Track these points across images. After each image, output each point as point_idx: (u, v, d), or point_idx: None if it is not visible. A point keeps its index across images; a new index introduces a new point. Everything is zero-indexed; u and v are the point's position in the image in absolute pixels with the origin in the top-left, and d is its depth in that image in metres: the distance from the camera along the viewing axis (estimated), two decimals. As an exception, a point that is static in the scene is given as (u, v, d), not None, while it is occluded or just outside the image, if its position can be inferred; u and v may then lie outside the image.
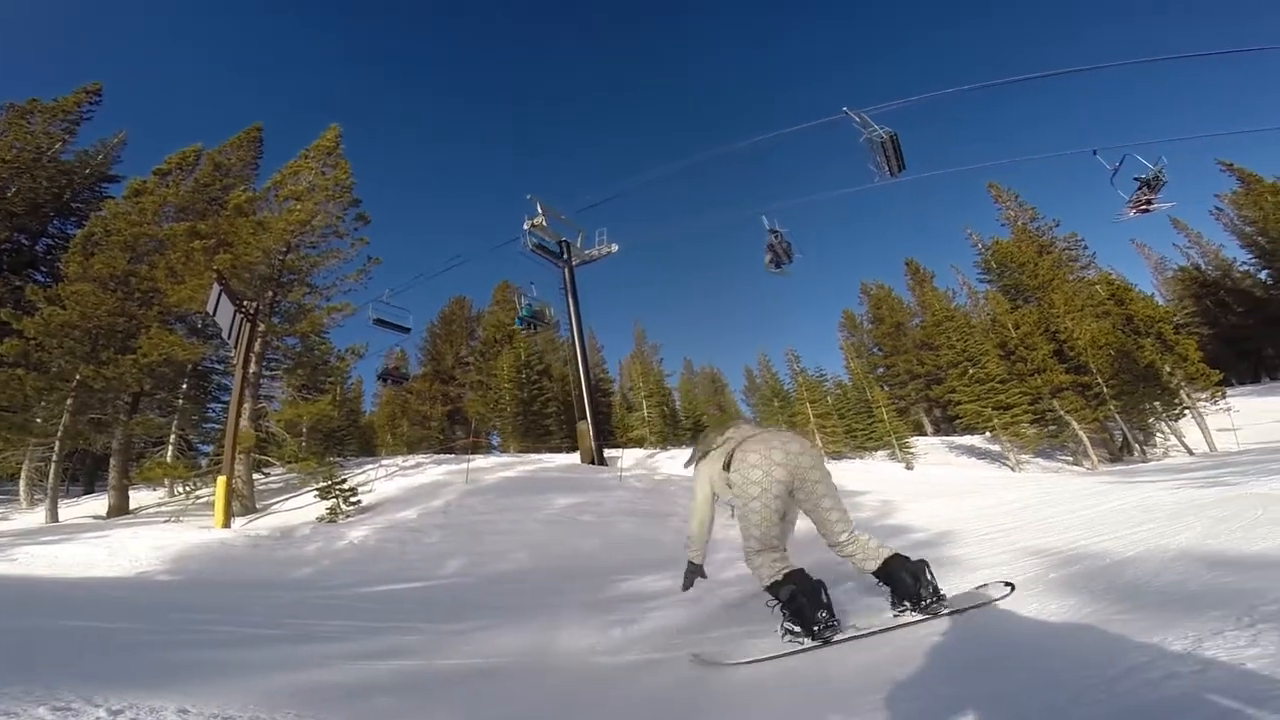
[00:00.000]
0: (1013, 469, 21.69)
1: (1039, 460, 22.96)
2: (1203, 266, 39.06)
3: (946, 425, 31.56)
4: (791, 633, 2.50)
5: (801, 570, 2.65)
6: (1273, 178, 32.77)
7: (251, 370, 13.89)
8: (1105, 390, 23.03)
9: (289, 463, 13.98)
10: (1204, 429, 21.68)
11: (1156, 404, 22.79)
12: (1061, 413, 22.82)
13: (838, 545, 2.77)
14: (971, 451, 24.83)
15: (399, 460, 19.14)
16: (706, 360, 48.93)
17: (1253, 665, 1.47)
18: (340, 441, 23.77)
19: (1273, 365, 34.11)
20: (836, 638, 2.46)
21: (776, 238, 13.43)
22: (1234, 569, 2.41)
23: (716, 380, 46.05)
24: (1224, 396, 22.22)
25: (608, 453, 19.18)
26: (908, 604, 2.56)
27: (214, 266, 13.13)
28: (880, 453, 24.06)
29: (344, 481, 11.41)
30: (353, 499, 11.03)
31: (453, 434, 33.31)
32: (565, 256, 18.47)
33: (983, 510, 8.37)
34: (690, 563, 3.39)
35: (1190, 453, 21.57)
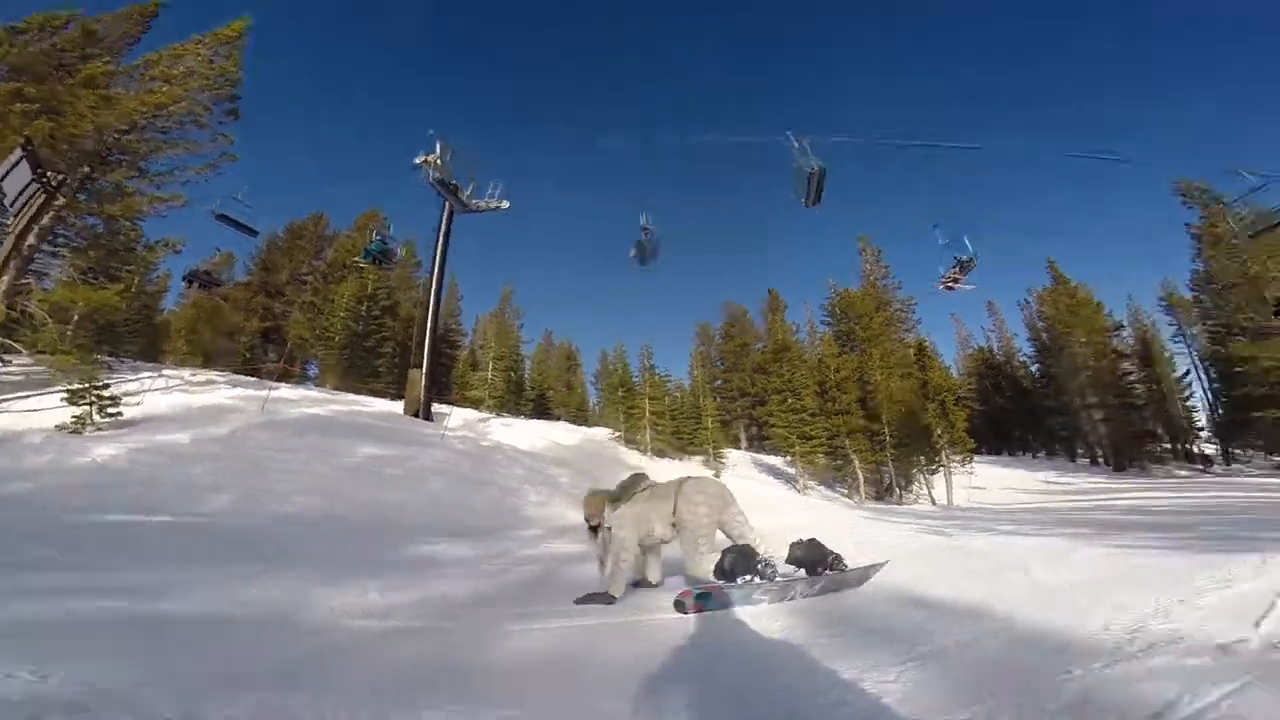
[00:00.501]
0: (799, 491, 24.52)
1: (821, 488, 26.24)
2: (994, 350, 45.34)
3: (758, 444, 34.69)
4: (745, 578, 3.49)
5: (731, 545, 3.85)
6: (1078, 281, 36.25)
7: (29, 243, 12.14)
8: (889, 439, 26.95)
9: (41, 352, 11.39)
10: (949, 485, 26.36)
11: (922, 458, 27.20)
12: (850, 452, 26.28)
13: (749, 543, 3.86)
14: (771, 470, 27.62)
15: (186, 373, 16.51)
16: (567, 336, 48.32)
17: (886, 700, 1.71)
18: (120, 339, 19.73)
19: (1016, 444, 41.25)
20: (774, 576, 3.55)
21: (646, 235, 14.01)
22: (922, 609, 2.93)
23: (572, 358, 45.88)
24: (971, 461, 27.30)
25: (436, 408, 18.34)
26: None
27: (25, 133, 11.04)
28: (698, 458, 25.77)
29: (106, 386, 9.56)
30: (111, 409, 9.28)
31: (264, 354, 29.45)
32: (458, 198, 17.30)
33: (775, 529, 9.34)
34: (610, 594, 3.61)
35: (933, 502, 26.10)
